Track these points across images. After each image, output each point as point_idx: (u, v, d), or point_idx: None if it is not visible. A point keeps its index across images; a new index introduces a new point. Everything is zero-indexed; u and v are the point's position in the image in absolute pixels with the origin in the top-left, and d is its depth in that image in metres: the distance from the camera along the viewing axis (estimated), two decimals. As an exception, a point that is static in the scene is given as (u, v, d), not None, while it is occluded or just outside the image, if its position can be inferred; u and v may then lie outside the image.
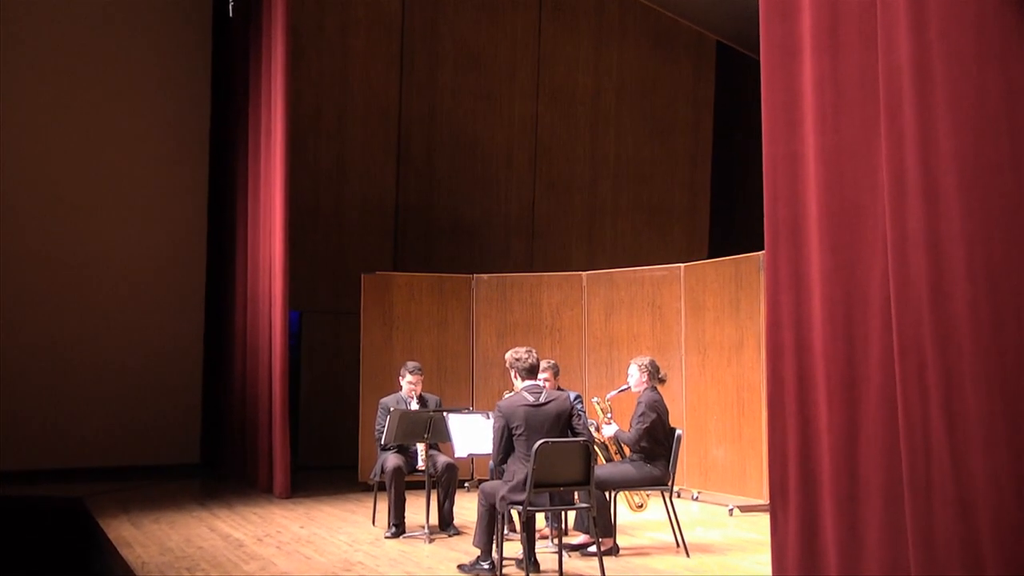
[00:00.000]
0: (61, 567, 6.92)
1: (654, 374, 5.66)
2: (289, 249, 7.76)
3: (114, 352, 9.16)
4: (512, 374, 5.08)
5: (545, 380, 5.84)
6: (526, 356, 5.01)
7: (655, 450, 5.55)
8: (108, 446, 9.02)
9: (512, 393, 5.61)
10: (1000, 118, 3.08)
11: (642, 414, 5.50)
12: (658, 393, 5.64)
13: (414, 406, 6.34)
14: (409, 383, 6.37)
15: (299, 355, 9.87)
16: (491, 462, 5.64)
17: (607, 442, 5.79)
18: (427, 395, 6.53)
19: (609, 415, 5.84)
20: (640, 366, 5.67)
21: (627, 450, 5.69)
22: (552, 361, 6.07)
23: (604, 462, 5.71)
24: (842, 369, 3.80)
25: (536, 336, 8.33)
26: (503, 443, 4.87)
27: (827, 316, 3.88)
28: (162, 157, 9.56)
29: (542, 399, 4.90)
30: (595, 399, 6.00)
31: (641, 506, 6.08)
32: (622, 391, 5.89)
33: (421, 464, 6.20)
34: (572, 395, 5.96)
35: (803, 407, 3.98)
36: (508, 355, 5.10)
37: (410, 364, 6.47)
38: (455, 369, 8.45)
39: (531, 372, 5.01)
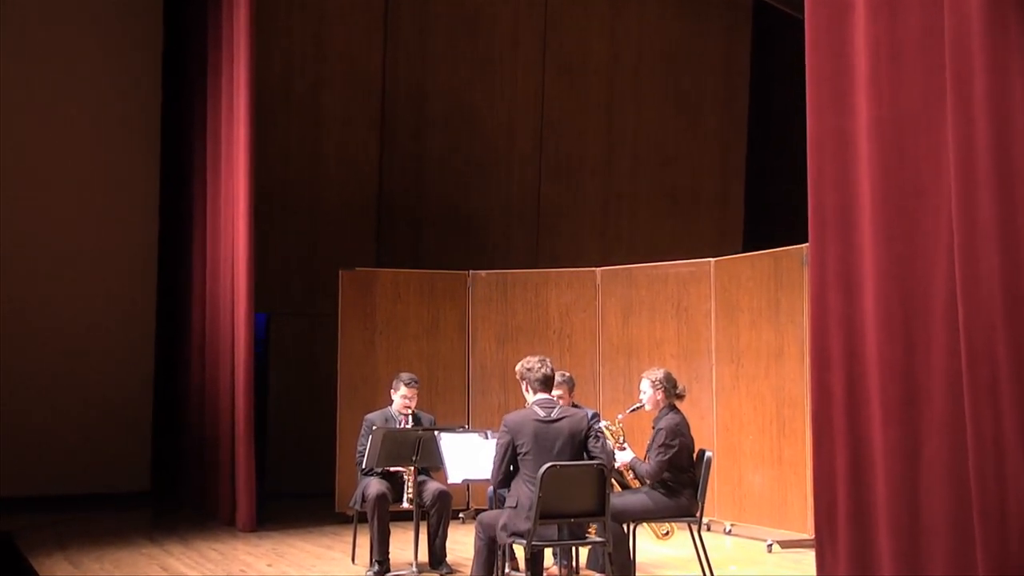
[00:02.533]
0: (-13, 612, 6.91)
1: (670, 390, 5.64)
2: (255, 242, 7.75)
3: (50, 362, 9.14)
4: (523, 387, 5.07)
5: (558, 397, 5.82)
6: (539, 366, 5.00)
7: (679, 479, 5.53)
8: (42, 472, 8.99)
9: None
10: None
11: (663, 444, 5.48)
12: (679, 413, 5.62)
13: (407, 425, 6.31)
14: (403, 397, 6.36)
15: (267, 364, 9.85)
16: (489, 489, 5.62)
17: (622, 469, 5.77)
18: (421, 413, 6.52)
19: (622, 439, 5.82)
20: (653, 381, 5.65)
21: (646, 479, 5.67)
22: (567, 374, 6.04)
23: (620, 490, 5.69)
24: (900, 381, 3.78)
25: (542, 342, 8.31)
26: (505, 463, 4.85)
27: (882, 319, 3.86)
28: (105, 135, 9.54)
29: (554, 415, 4.88)
30: (604, 423, 5.97)
31: (667, 533, 6.06)
32: (634, 411, 5.87)
33: (407, 503, 6.15)
34: (588, 413, 5.95)
35: (854, 425, 3.96)
36: (519, 365, 5.09)
37: (405, 375, 6.46)
38: (448, 381, 8.44)
39: (545, 384, 5.01)
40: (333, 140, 10.30)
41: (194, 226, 9.05)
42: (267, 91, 9.50)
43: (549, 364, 5.05)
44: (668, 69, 11.61)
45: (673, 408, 5.66)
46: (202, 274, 8.78)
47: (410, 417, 6.38)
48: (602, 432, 5.87)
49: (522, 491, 4.77)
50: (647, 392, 5.69)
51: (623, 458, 5.72)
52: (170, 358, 9.65)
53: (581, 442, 4.91)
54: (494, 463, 4.93)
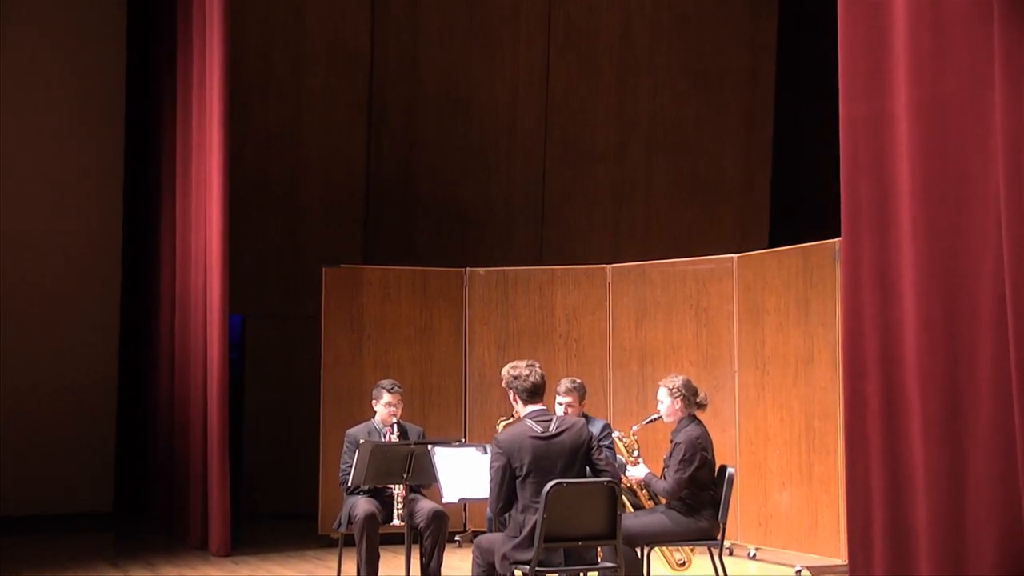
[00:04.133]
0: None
1: (691, 399, 5.65)
2: (229, 237, 7.75)
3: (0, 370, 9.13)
4: (511, 396, 5.04)
5: (567, 405, 5.81)
6: (527, 372, 4.96)
7: (699, 497, 5.53)
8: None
9: (508, 420, 5.54)
10: None
11: (682, 459, 5.48)
12: (700, 425, 5.62)
13: (392, 438, 6.32)
14: (388, 405, 6.37)
15: (242, 372, 9.84)
16: (488, 510, 5.61)
17: (635, 486, 5.77)
18: (407, 424, 6.52)
19: (636, 452, 5.81)
20: (671, 390, 5.66)
21: (663, 498, 5.67)
22: (577, 380, 6.04)
23: (633, 510, 5.69)
24: (943, 390, 3.77)
25: (547, 347, 8.30)
26: (504, 488, 4.84)
27: (923, 322, 3.85)
28: (64, 119, 9.53)
29: (552, 429, 4.86)
30: (617, 433, 5.97)
31: (684, 564, 6.07)
32: (651, 422, 5.87)
33: (398, 520, 6.15)
34: (599, 424, 5.95)
35: (892, 440, 3.95)
36: (505, 372, 5.05)
37: (385, 382, 6.48)
38: (442, 389, 8.44)
39: (535, 394, 4.97)
40: (316, 124, 10.29)
41: (162, 220, 9.04)
42: (243, 70, 9.50)
43: (538, 370, 4.99)
44: (687, 43, 11.58)
45: (694, 419, 5.67)
46: (171, 273, 8.78)
47: (395, 426, 6.39)
48: (612, 444, 5.87)
49: (524, 517, 4.75)
50: (665, 401, 5.69)
51: (636, 474, 5.72)
52: (135, 366, 9.64)
53: (584, 456, 4.88)
54: (491, 490, 4.88)
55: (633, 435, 5.92)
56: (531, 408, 4.94)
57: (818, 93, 9.75)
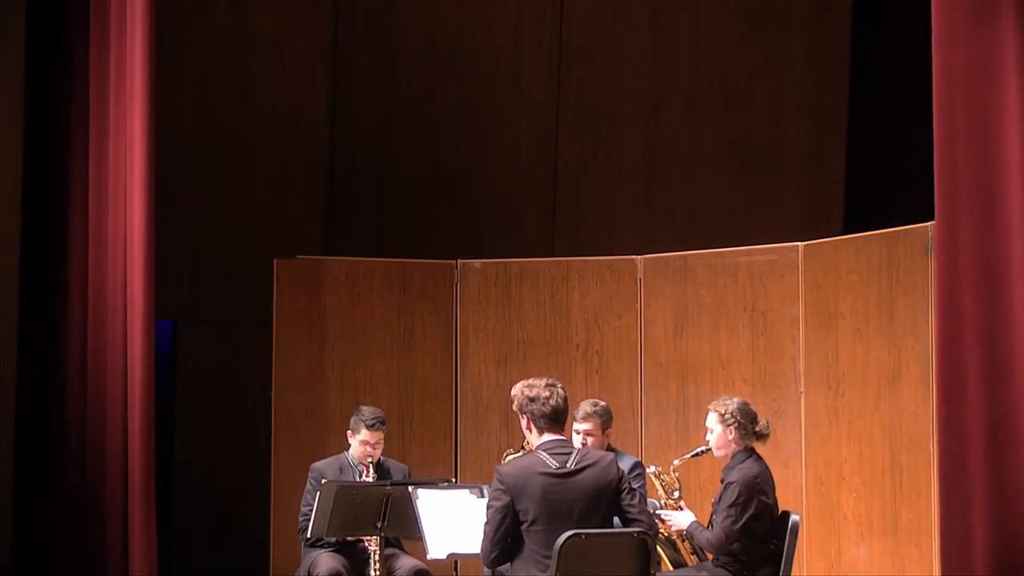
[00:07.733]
0: None
1: (748, 427, 5.69)
2: (157, 223, 7.76)
3: None
4: (523, 422, 5.06)
5: (586, 434, 5.82)
6: (547, 394, 4.98)
7: (755, 552, 5.56)
8: None
9: (517, 453, 5.54)
10: None
11: (733, 503, 5.51)
12: (759, 461, 5.66)
13: (368, 478, 6.34)
14: (364, 443, 6.41)
15: (173, 391, 9.87)
16: (484, 567, 5.63)
17: (675, 537, 5.79)
18: (389, 461, 6.55)
19: (677, 493, 5.83)
20: (724, 415, 5.70)
21: (708, 552, 5.69)
22: (601, 403, 6.06)
23: (671, 567, 5.70)
24: (1064, 416, 3.78)
25: (561, 361, 8.32)
26: (502, 532, 4.86)
27: (1039, 328, 3.86)
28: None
29: (572, 464, 4.88)
30: (652, 468, 5.98)
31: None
32: (697, 455, 5.89)
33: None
34: (629, 461, 5.96)
35: (999, 479, 3.96)
36: (517, 391, 5.07)
37: (367, 412, 6.51)
38: (427, 415, 8.45)
39: (554, 420, 4.99)
40: (267, 77, 10.30)
41: (71, 203, 9.02)
42: (174, 9, 9.50)
43: (561, 391, 5.02)
44: (738, -25, 11.60)
45: (751, 453, 5.70)
46: (82, 269, 8.76)
47: (372, 467, 6.41)
48: (643, 485, 5.88)
49: (531, 575, 4.76)
50: (715, 430, 5.73)
51: (680, 522, 5.74)
52: (38, 386, 9.64)
53: (610, 500, 4.90)
54: (485, 534, 4.93)
55: (673, 471, 5.93)
56: (548, 437, 4.95)
57: (906, 38, 9.74)
